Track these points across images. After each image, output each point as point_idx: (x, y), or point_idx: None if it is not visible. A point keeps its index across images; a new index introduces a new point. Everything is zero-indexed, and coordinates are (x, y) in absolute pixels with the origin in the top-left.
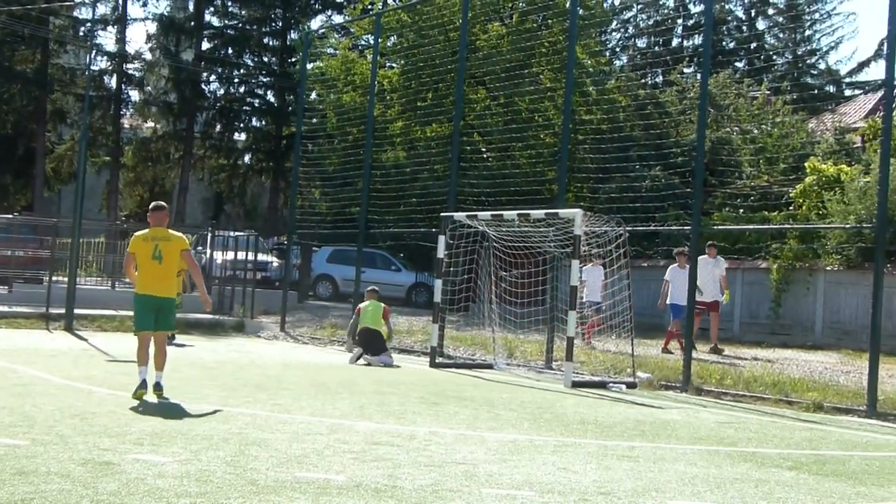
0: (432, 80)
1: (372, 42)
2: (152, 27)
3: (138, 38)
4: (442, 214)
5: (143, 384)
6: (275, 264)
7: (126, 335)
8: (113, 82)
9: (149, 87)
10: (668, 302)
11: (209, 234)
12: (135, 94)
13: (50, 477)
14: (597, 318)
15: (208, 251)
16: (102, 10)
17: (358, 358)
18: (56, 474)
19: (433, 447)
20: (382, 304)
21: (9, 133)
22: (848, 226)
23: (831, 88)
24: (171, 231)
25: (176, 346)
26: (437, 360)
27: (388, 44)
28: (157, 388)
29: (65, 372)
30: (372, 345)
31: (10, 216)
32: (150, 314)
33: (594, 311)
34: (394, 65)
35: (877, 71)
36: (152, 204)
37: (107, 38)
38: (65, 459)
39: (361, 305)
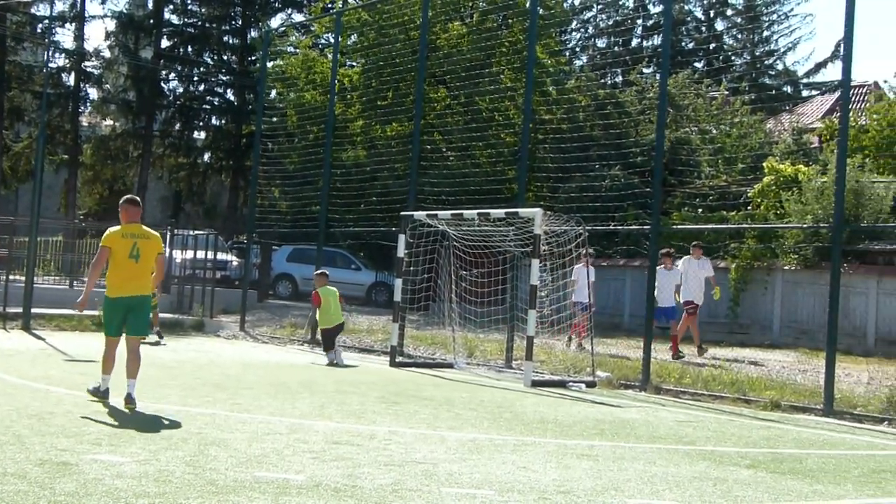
0: (393, 79)
1: (332, 41)
2: (111, 24)
3: (97, 35)
4: (402, 213)
5: (107, 393)
6: (234, 263)
7: (84, 334)
8: (71, 80)
9: (107, 85)
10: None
11: (168, 233)
12: (93, 92)
13: (6, 478)
14: (583, 319)
15: (167, 250)
16: (60, 6)
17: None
18: (13, 475)
19: (393, 446)
20: (336, 291)
21: None
22: (805, 225)
23: (789, 89)
24: (147, 228)
25: (151, 346)
26: (397, 360)
27: (349, 42)
28: (130, 400)
29: (21, 371)
30: (337, 338)
31: None
32: (122, 318)
33: (580, 310)
34: (354, 63)
35: (833, 72)
36: (127, 197)
37: (65, 36)
38: (21, 460)
39: (321, 294)
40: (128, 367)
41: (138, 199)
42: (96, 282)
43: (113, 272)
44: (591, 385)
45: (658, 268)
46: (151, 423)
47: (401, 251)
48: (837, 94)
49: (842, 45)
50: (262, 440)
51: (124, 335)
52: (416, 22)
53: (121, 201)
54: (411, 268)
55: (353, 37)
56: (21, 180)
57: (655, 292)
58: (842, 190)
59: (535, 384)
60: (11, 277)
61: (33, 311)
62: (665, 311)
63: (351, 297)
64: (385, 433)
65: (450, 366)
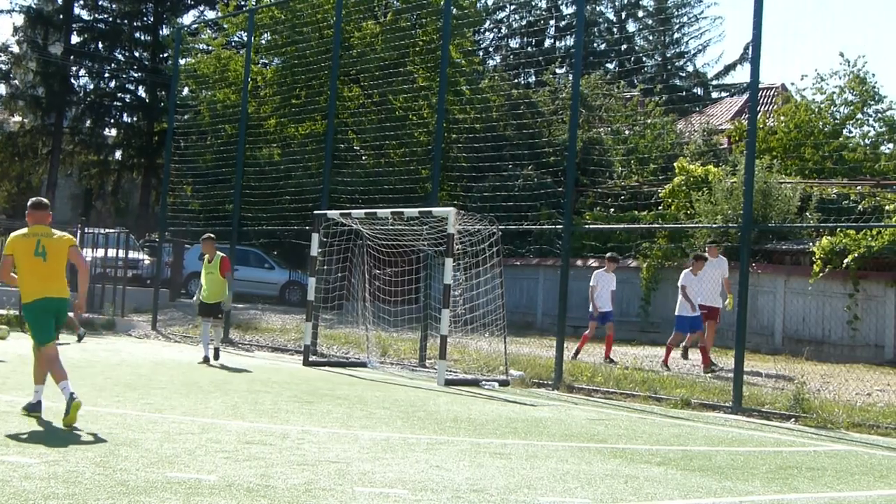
0: (306, 78)
1: (245, 39)
2: (19, 19)
3: (4, 30)
4: (315, 212)
5: (39, 406)
6: (146, 262)
7: None
8: None
9: (16, 81)
10: (600, 309)
11: (79, 232)
12: (1, 88)
13: None
14: (608, 329)
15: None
16: None
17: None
18: None
19: (306, 446)
20: (222, 256)
21: None
22: (715, 225)
23: (699, 91)
24: (53, 230)
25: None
26: (310, 359)
27: (262, 41)
28: (74, 401)
29: None
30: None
31: None
32: (52, 321)
33: (600, 321)
34: (267, 62)
35: (742, 74)
36: (32, 200)
37: None
38: None
39: (203, 267)
40: (54, 374)
41: (46, 201)
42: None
43: (25, 277)
44: (504, 384)
45: (685, 271)
46: (60, 424)
47: (314, 250)
48: (746, 96)
49: (750, 48)
50: (174, 440)
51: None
52: (329, 20)
53: (27, 205)
54: (325, 266)
55: (266, 35)
56: None
57: (679, 303)
58: (750, 190)
59: (449, 383)
60: None
61: None
62: (693, 321)
63: (264, 296)
64: (298, 432)
65: (363, 365)
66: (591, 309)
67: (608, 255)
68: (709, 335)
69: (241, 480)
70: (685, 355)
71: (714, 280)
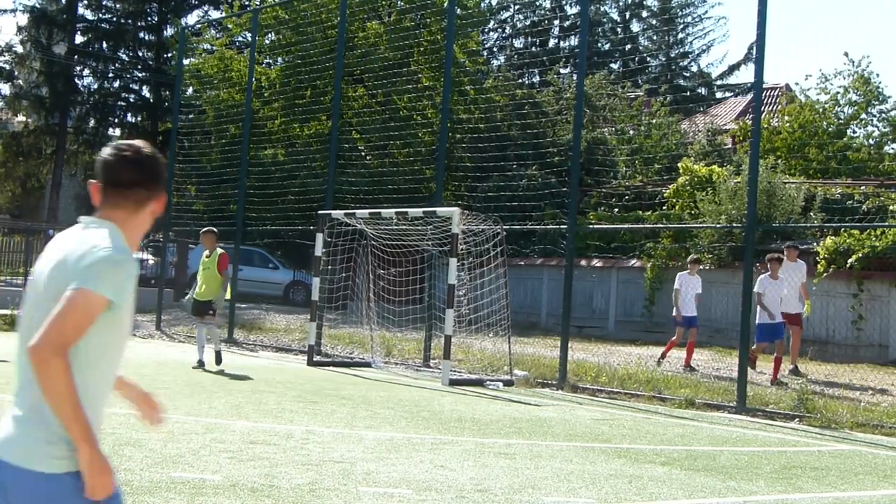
0: (310, 78)
1: (249, 39)
2: (23, 19)
3: (8, 29)
4: (319, 212)
5: None
6: (150, 262)
7: None
8: None
9: (20, 81)
10: (684, 314)
11: None
12: (5, 88)
13: None
14: (690, 335)
15: None
16: None
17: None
18: None
19: (310, 446)
20: (220, 252)
21: None
22: (719, 225)
23: (703, 91)
24: None
25: None
26: (314, 359)
27: (266, 41)
28: None
29: None
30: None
31: None
32: None
33: (683, 325)
34: (272, 62)
35: (746, 74)
36: None
37: None
38: None
39: (201, 262)
40: None
41: None
42: None
43: None
44: (508, 384)
45: (760, 277)
46: None
47: (318, 250)
48: (750, 96)
49: (754, 48)
50: (178, 440)
51: None
52: (333, 20)
53: None
54: (329, 266)
55: (270, 35)
56: None
57: (759, 309)
58: (754, 191)
59: (453, 383)
60: None
61: None
62: (775, 328)
63: (268, 296)
64: (302, 432)
65: (368, 365)
66: (674, 313)
67: (691, 256)
68: (794, 344)
69: (246, 480)
70: (753, 365)
71: (794, 285)
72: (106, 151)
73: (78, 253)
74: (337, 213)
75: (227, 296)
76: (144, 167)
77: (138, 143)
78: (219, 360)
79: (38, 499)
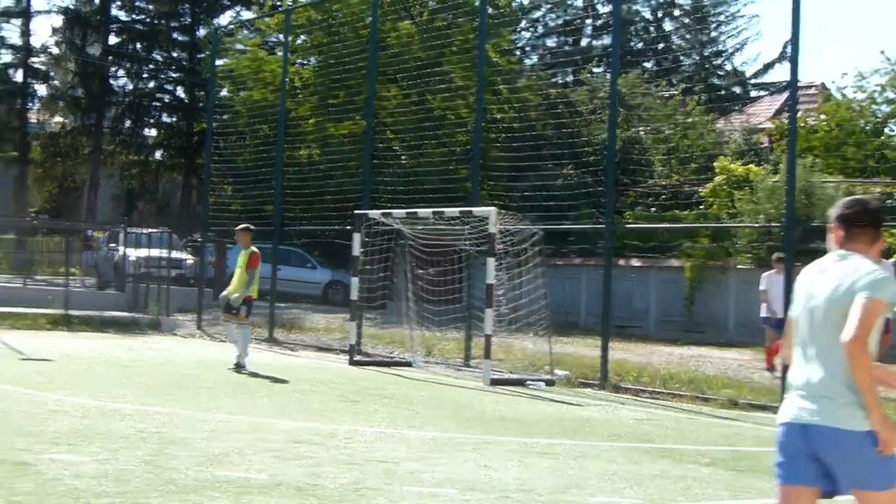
0: (343, 78)
1: (282, 39)
2: (58, 20)
3: (44, 31)
4: (356, 212)
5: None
6: (189, 262)
7: (39, 333)
8: (18, 76)
9: (55, 82)
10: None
11: (122, 232)
12: (41, 89)
13: None
14: (770, 337)
15: (121, 248)
16: (6, 2)
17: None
18: None
19: (354, 445)
20: (252, 251)
21: None
22: (758, 225)
23: (738, 89)
24: None
25: None
26: (355, 358)
27: (298, 41)
28: None
29: None
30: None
31: None
32: None
33: (774, 327)
34: (304, 62)
35: (781, 73)
36: None
37: (10, 31)
38: None
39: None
40: None
41: None
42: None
43: None
44: (549, 383)
45: (766, 274)
46: (109, 422)
47: (356, 250)
48: (786, 94)
49: (789, 47)
50: (223, 439)
51: None
52: (365, 20)
53: None
54: (367, 266)
55: (303, 35)
56: None
57: (764, 305)
58: (792, 190)
59: (494, 382)
60: None
61: None
62: (781, 322)
63: (307, 295)
64: (345, 432)
65: (408, 364)
66: (763, 314)
67: (775, 255)
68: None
69: (290, 479)
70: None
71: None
72: (845, 203)
73: (857, 274)
74: (373, 213)
75: (254, 294)
76: (872, 214)
77: (864, 197)
78: (240, 367)
79: (856, 448)
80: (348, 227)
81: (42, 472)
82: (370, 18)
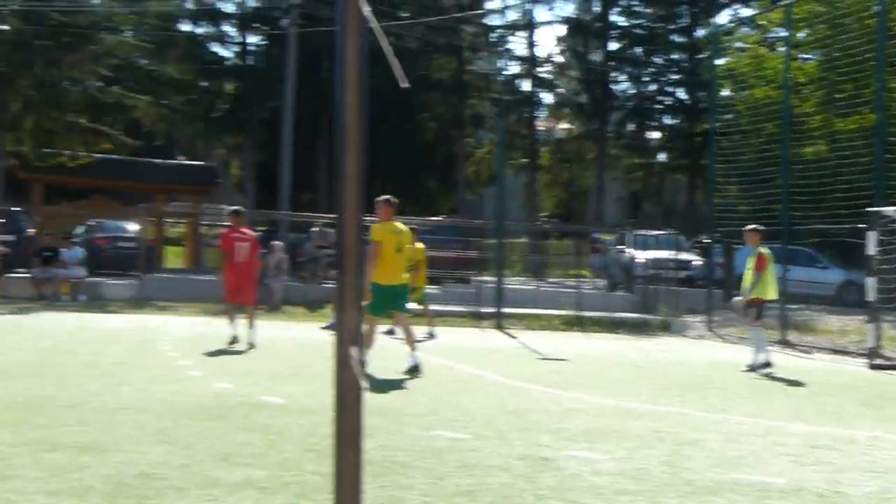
0: (850, 71)
1: (782, 35)
2: (560, 30)
3: (547, 41)
4: (869, 209)
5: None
6: (697, 263)
7: (554, 333)
8: (526, 86)
9: (561, 89)
10: None
11: (628, 234)
12: (547, 97)
13: (491, 470)
14: None
15: (629, 250)
16: (512, 15)
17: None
18: (497, 468)
19: (877, 452)
20: (760, 252)
21: (430, 140)
22: None
23: None
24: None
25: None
26: (876, 362)
27: (800, 35)
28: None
29: (498, 369)
30: None
31: (438, 219)
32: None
33: None
34: (807, 57)
35: None
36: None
37: (517, 44)
38: (505, 454)
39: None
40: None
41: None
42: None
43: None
44: None
45: None
46: (625, 422)
47: (871, 249)
48: None
49: None
50: (738, 441)
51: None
52: (871, 10)
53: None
54: (884, 266)
55: (804, 29)
56: (484, 185)
57: None
58: None
59: None
60: (482, 279)
61: (504, 310)
62: None
63: (819, 296)
64: (867, 438)
65: None
66: None
67: None
68: None
69: (810, 485)
70: None
71: None
72: None
73: None
74: (889, 210)
75: (766, 296)
76: None
77: None
78: (755, 368)
79: None
80: (861, 226)
81: (563, 468)
82: (877, 7)
